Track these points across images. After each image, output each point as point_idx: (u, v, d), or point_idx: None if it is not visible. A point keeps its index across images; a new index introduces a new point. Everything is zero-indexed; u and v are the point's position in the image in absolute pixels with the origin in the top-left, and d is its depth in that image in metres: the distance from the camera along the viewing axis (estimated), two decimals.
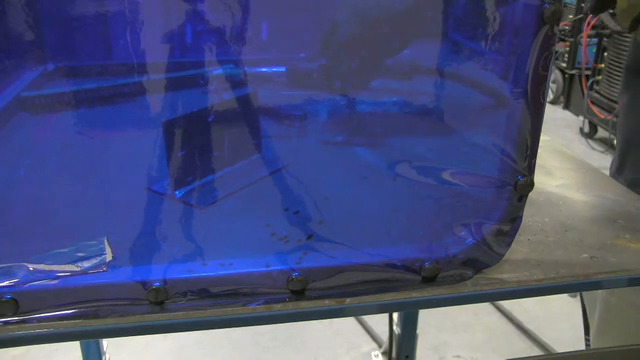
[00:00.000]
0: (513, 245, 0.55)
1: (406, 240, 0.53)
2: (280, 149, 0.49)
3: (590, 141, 3.46)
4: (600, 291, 0.89)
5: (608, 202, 0.69)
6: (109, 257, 0.47)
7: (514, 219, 0.53)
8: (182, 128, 0.47)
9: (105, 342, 1.10)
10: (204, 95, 0.46)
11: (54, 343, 0.49)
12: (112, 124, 0.46)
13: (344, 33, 0.45)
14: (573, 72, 3.60)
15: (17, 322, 0.46)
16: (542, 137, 0.50)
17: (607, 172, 0.86)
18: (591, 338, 0.96)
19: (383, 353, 1.40)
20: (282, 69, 0.46)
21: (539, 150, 0.51)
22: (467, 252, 0.53)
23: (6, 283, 0.46)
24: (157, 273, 0.48)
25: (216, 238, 0.50)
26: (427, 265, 0.52)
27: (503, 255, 0.55)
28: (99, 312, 0.47)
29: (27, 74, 0.43)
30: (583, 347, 1.01)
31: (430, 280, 0.52)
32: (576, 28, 3.46)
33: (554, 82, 3.83)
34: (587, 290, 0.93)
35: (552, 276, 0.54)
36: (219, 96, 0.46)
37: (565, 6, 3.28)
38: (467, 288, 0.53)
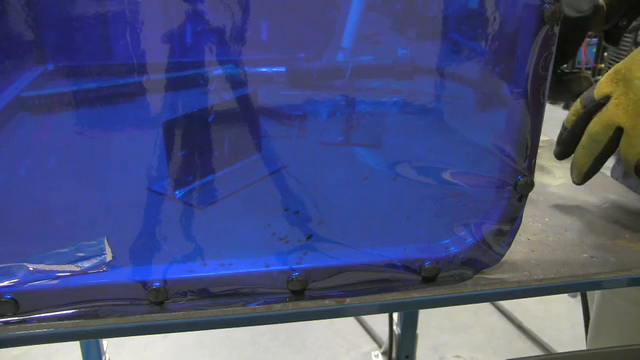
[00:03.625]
0: (513, 245, 0.55)
1: (406, 240, 0.53)
2: (280, 149, 0.49)
3: None
4: None
5: (608, 202, 0.69)
6: (109, 257, 0.47)
7: (514, 219, 0.53)
8: (182, 128, 0.47)
9: (105, 342, 1.10)
10: (204, 95, 0.46)
11: (54, 343, 0.49)
12: (112, 124, 0.46)
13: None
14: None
15: (17, 322, 0.46)
16: (542, 137, 0.51)
17: (607, 172, 0.86)
18: (589, 333, 0.96)
19: (383, 353, 1.40)
20: (282, 69, 0.47)
21: (539, 150, 0.51)
22: (467, 252, 0.53)
23: (6, 283, 0.46)
24: (157, 273, 0.48)
25: (216, 238, 0.50)
26: (427, 265, 0.52)
27: (503, 255, 0.55)
28: (99, 312, 0.47)
29: (27, 74, 0.43)
30: (583, 347, 1.01)
31: (430, 280, 0.52)
32: None
33: None
34: (587, 290, 0.93)
35: (552, 276, 0.54)
36: (219, 96, 0.46)
37: None
38: (467, 288, 0.53)
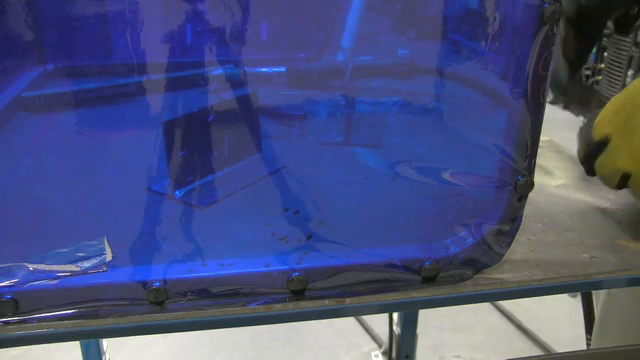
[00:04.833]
0: (513, 245, 0.55)
1: (406, 240, 0.53)
2: (280, 149, 0.49)
3: None
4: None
5: (608, 202, 0.69)
6: (109, 257, 0.47)
7: (514, 219, 0.53)
8: (182, 128, 0.47)
9: (105, 342, 1.10)
10: (204, 95, 0.46)
11: (54, 343, 0.49)
12: (112, 124, 0.46)
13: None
14: None
15: (17, 322, 0.46)
16: (542, 137, 0.50)
17: None
18: (593, 331, 0.96)
19: (383, 353, 1.40)
20: (282, 69, 0.47)
21: (539, 150, 0.51)
22: (467, 252, 0.53)
23: (6, 283, 0.46)
24: (157, 273, 0.48)
25: (216, 238, 0.50)
26: (427, 265, 0.52)
27: (503, 255, 0.55)
28: (99, 312, 0.47)
29: (27, 74, 0.43)
30: (583, 347, 1.01)
31: (430, 280, 0.52)
32: None
33: None
34: (587, 290, 0.93)
35: (552, 276, 0.54)
36: (219, 96, 0.46)
37: None
38: (467, 288, 0.53)
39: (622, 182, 0.59)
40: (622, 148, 0.58)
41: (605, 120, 0.60)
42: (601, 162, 0.61)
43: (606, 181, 0.61)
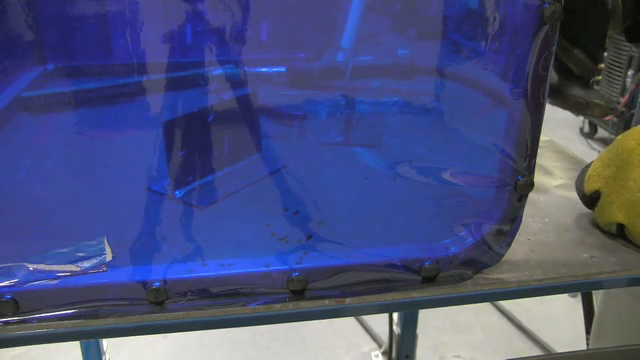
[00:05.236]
0: (513, 245, 0.55)
1: (406, 240, 0.53)
2: (280, 149, 0.49)
3: (590, 141, 3.46)
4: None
5: None
6: (109, 257, 0.47)
7: (514, 219, 0.53)
8: (182, 128, 0.47)
9: (105, 342, 1.10)
10: (204, 95, 0.46)
11: (54, 343, 0.49)
12: (112, 124, 0.46)
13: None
14: None
15: (17, 322, 0.46)
16: (542, 137, 0.51)
17: None
18: (592, 330, 0.96)
19: (383, 353, 1.40)
20: (282, 69, 0.47)
21: (539, 150, 0.51)
22: (467, 252, 0.53)
23: (6, 283, 0.46)
24: (157, 273, 0.48)
25: (216, 238, 0.50)
26: (427, 265, 0.52)
27: (503, 255, 0.55)
28: (99, 312, 0.47)
29: (27, 74, 0.43)
30: (583, 347, 1.01)
31: (430, 280, 0.52)
32: None
33: None
34: (587, 290, 0.93)
35: (552, 276, 0.54)
36: (219, 96, 0.46)
37: None
38: (467, 288, 0.53)
39: (619, 232, 0.61)
40: (613, 202, 0.60)
41: (595, 175, 0.63)
42: (597, 214, 0.63)
43: (606, 230, 0.63)
